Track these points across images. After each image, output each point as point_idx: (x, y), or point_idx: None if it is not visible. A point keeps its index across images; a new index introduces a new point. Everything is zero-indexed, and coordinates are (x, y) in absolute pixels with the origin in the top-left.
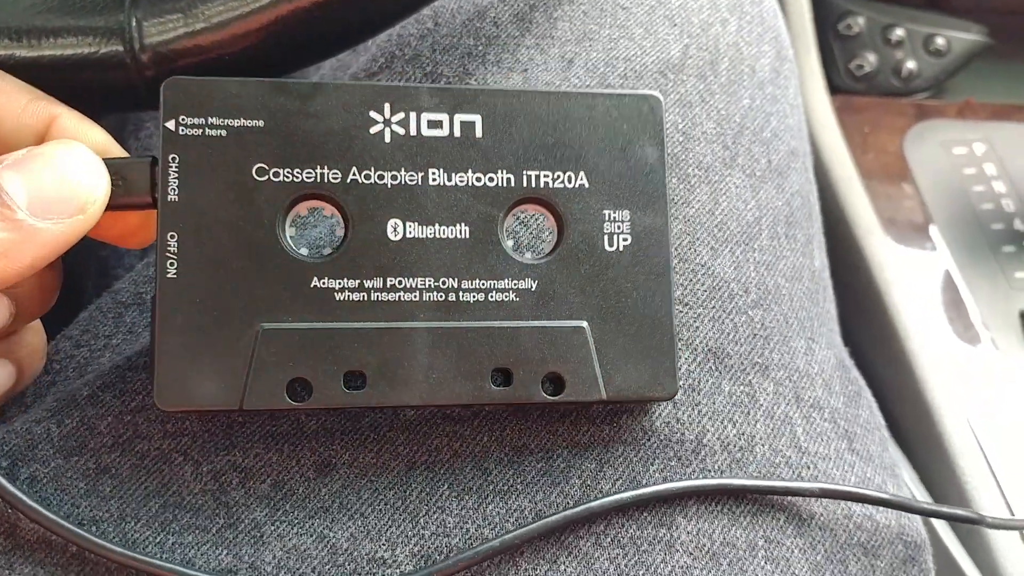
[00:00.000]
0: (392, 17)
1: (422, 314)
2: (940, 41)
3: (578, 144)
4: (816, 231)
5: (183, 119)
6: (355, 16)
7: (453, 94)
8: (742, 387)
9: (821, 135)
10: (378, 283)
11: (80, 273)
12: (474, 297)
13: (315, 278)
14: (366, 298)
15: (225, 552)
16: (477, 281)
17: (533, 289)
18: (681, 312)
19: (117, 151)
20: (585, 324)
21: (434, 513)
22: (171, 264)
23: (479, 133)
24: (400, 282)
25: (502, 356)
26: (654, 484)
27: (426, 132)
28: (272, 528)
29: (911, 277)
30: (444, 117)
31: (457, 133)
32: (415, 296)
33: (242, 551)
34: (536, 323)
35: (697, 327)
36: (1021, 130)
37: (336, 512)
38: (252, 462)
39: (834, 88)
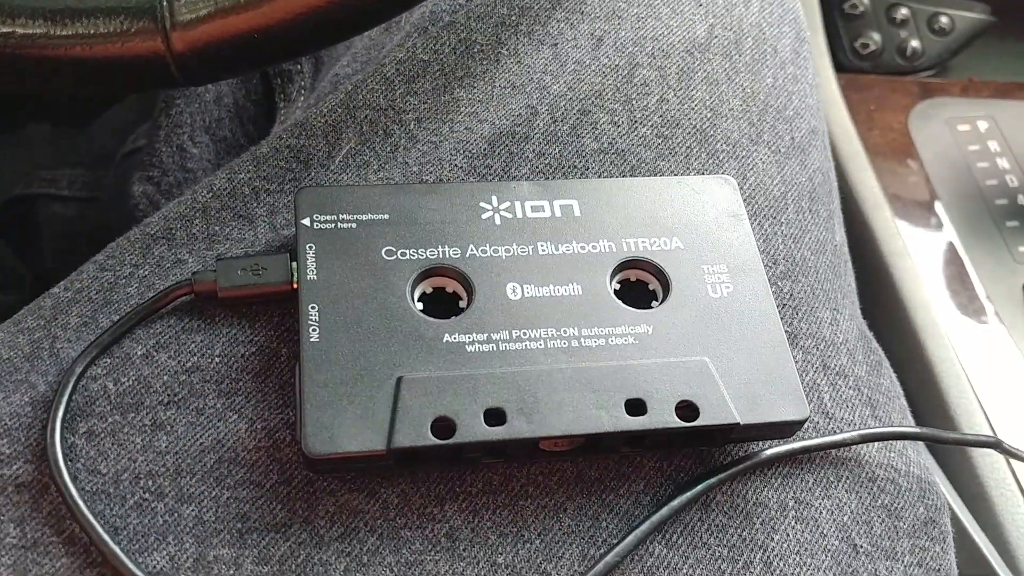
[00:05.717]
0: None
1: (550, 359)
2: (944, 20)
3: (669, 216)
4: (836, 207)
5: (317, 217)
6: None
7: (551, 188)
8: None
9: (828, 113)
10: (505, 335)
11: None
12: (596, 342)
13: (446, 335)
14: (495, 348)
15: (280, 507)
16: (596, 329)
17: (650, 333)
18: None
19: None
20: (707, 359)
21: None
22: (313, 330)
23: (577, 212)
24: (525, 333)
25: (633, 388)
26: (710, 462)
27: (530, 215)
28: (324, 484)
29: (916, 252)
30: (545, 203)
31: (558, 213)
32: (541, 344)
33: (296, 506)
34: (660, 359)
35: None
36: None
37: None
38: None
39: (839, 67)
